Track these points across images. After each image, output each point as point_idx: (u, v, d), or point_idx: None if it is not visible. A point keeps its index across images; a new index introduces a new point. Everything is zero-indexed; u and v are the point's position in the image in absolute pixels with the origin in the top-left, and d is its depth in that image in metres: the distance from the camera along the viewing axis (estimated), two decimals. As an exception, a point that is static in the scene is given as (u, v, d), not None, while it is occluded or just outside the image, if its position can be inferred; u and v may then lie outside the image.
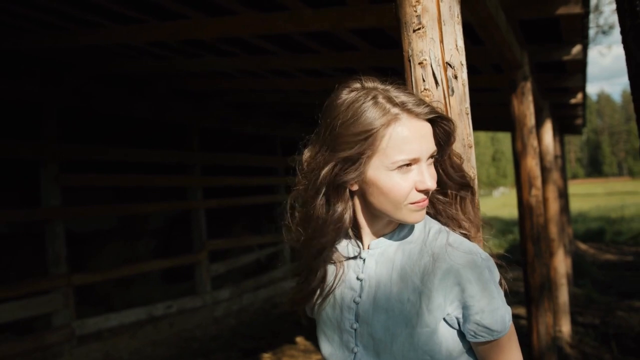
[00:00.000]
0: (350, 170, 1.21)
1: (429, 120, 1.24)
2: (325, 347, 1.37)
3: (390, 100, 1.21)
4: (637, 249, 14.19)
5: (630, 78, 2.23)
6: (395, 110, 1.19)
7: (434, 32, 1.59)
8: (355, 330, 1.29)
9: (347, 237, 1.35)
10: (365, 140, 1.18)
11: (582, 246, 14.55)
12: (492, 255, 1.30)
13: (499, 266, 1.30)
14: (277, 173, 10.05)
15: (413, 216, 1.23)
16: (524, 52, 4.34)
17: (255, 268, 9.39)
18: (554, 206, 6.33)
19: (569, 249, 9.98)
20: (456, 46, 1.63)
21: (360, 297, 1.30)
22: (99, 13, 3.91)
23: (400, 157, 1.18)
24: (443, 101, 1.58)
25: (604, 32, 19.51)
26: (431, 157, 1.24)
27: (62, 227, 5.85)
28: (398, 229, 1.32)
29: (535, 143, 4.20)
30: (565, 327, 6.49)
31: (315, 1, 3.70)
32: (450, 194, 1.35)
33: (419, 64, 1.59)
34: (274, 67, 5.61)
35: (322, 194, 1.27)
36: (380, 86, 1.27)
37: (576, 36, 4.31)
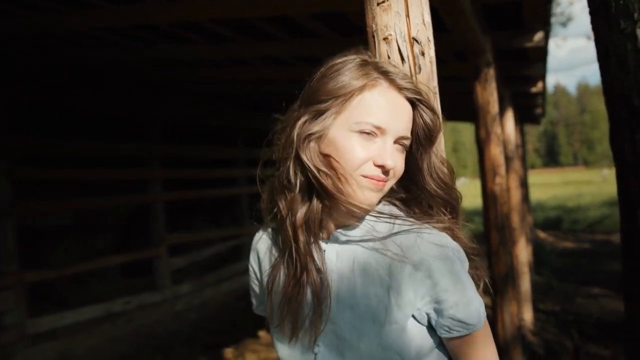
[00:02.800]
0: (315, 123, 1.14)
1: (412, 105, 1.18)
2: (282, 349, 1.25)
3: (375, 66, 1.16)
4: (594, 237, 14.50)
5: (598, 58, 2.19)
6: (376, 75, 1.15)
7: (400, 5, 1.48)
8: None
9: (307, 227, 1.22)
10: (337, 98, 1.13)
11: (541, 234, 14.79)
12: (468, 245, 1.22)
13: (475, 256, 1.22)
14: (238, 165, 9.87)
15: (364, 193, 1.12)
16: (487, 38, 4.28)
17: (217, 261, 9.22)
18: (516, 195, 6.35)
19: (529, 237, 10.09)
20: (423, 21, 1.52)
21: (321, 290, 1.17)
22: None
23: (365, 119, 1.11)
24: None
25: (562, 24, 19.78)
26: (400, 142, 1.15)
27: (14, 223, 5.60)
28: (361, 220, 1.20)
29: (499, 131, 4.16)
30: (527, 315, 6.53)
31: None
32: (426, 206, 1.23)
33: (384, 39, 1.48)
34: (234, 55, 5.45)
35: (292, 156, 1.17)
36: (374, 59, 1.22)
37: (538, 22, 4.27)
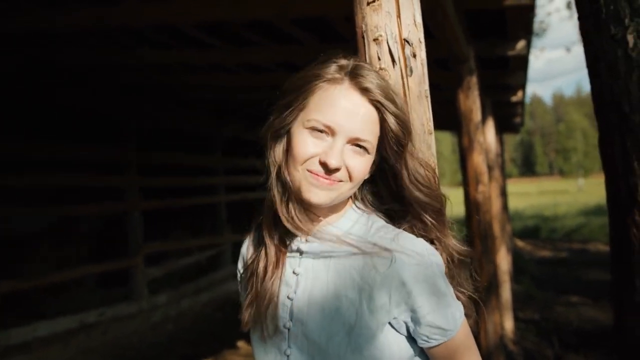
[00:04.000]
0: (279, 120, 1.18)
1: (377, 108, 1.15)
2: (258, 351, 1.23)
3: (345, 67, 1.16)
4: (571, 246, 14.65)
5: (587, 65, 2.16)
6: (339, 75, 1.15)
7: (391, 5, 1.44)
8: (288, 330, 1.16)
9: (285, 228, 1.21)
10: (298, 94, 1.15)
11: (520, 243, 14.90)
12: (458, 249, 1.21)
13: (466, 259, 1.23)
14: (217, 173, 9.76)
15: (309, 189, 1.12)
16: (470, 45, 4.28)
17: (195, 271, 9.08)
18: (496, 204, 6.36)
19: (509, 246, 10.13)
20: (414, 21, 1.48)
21: (295, 293, 1.17)
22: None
23: (315, 115, 1.12)
24: (401, 82, 1.43)
25: (537, 34, 20.04)
26: (358, 144, 1.13)
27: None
28: (340, 220, 1.21)
29: (481, 139, 4.15)
30: (508, 324, 6.53)
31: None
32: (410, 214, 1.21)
33: (374, 40, 1.44)
34: (214, 61, 5.37)
35: (270, 149, 1.21)
36: (357, 62, 1.19)
37: (521, 30, 4.29)
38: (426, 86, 1.49)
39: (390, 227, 1.19)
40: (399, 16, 1.44)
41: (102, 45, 4.89)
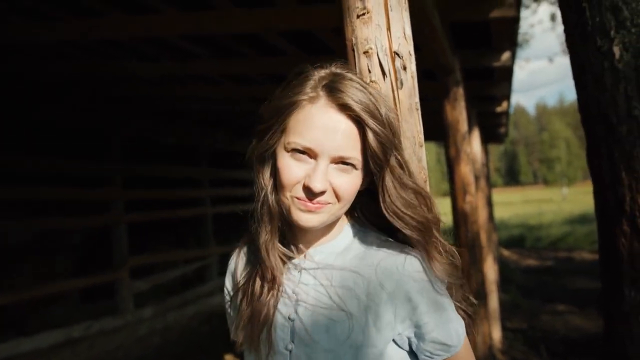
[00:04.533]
0: (262, 143, 1.15)
1: (358, 122, 1.08)
2: None
3: (319, 81, 1.10)
4: (556, 254, 14.73)
5: (574, 76, 2.18)
6: (314, 93, 1.09)
7: (381, 17, 1.44)
8: (290, 352, 1.12)
9: (284, 244, 1.19)
10: (279, 116, 1.11)
11: (505, 252, 14.97)
12: (446, 268, 1.16)
13: (457, 278, 1.18)
14: (202, 185, 9.71)
15: (298, 215, 1.09)
16: (455, 57, 4.31)
17: (181, 284, 9.00)
18: (483, 213, 6.38)
19: (495, 255, 10.17)
20: (404, 34, 1.48)
21: (296, 313, 1.13)
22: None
23: (294, 138, 1.08)
24: (391, 94, 1.43)
25: (520, 46, 20.25)
26: (344, 162, 1.08)
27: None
28: (337, 238, 1.18)
29: (468, 149, 4.16)
30: (496, 334, 6.53)
31: (244, 1, 3.52)
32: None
33: (364, 53, 1.43)
34: (200, 72, 5.36)
35: (257, 173, 1.19)
36: (337, 71, 1.15)
37: (506, 42, 4.32)
38: (417, 98, 1.50)
39: (392, 242, 1.16)
40: (389, 29, 1.45)
41: (86, 58, 4.86)
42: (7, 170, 6.09)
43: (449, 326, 1.10)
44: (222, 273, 8.73)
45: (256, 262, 1.19)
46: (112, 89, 6.26)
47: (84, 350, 6.49)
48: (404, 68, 1.46)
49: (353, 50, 1.45)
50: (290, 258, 1.18)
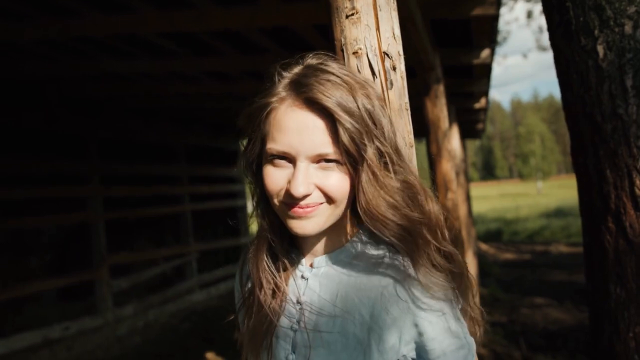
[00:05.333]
0: (246, 152, 1.10)
1: (329, 115, 0.98)
2: None
3: (286, 79, 1.05)
4: (534, 248, 14.90)
5: (558, 75, 2.20)
6: (283, 93, 1.03)
7: (370, 18, 1.42)
8: None
9: (287, 248, 1.15)
10: (253, 122, 1.07)
11: (483, 246, 15.09)
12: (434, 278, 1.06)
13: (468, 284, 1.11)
14: (181, 182, 9.64)
15: (291, 223, 1.03)
16: (436, 54, 4.32)
17: (161, 282, 8.93)
18: (463, 209, 6.43)
19: (474, 250, 10.26)
20: (393, 34, 1.47)
21: (298, 323, 1.09)
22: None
23: (270, 145, 1.02)
24: (381, 95, 1.42)
25: (498, 43, 20.43)
26: (326, 159, 1.00)
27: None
28: (345, 247, 1.12)
29: (449, 146, 4.18)
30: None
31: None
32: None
33: (354, 53, 1.42)
34: (177, 70, 5.31)
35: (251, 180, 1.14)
36: (311, 62, 1.08)
37: (486, 39, 4.35)
38: (406, 99, 1.49)
39: (398, 258, 1.06)
40: (378, 29, 1.43)
41: (64, 56, 4.78)
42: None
43: (458, 352, 1.03)
44: (202, 269, 8.70)
45: (259, 271, 1.15)
46: (89, 87, 6.17)
47: (62, 352, 6.41)
48: (394, 68, 1.45)
49: (342, 50, 1.44)
50: (295, 265, 1.14)
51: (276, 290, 1.11)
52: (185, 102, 7.31)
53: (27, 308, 6.79)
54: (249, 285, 1.19)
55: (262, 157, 1.06)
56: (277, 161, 1.02)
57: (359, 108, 1.00)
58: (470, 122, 9.47)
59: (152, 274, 8.71)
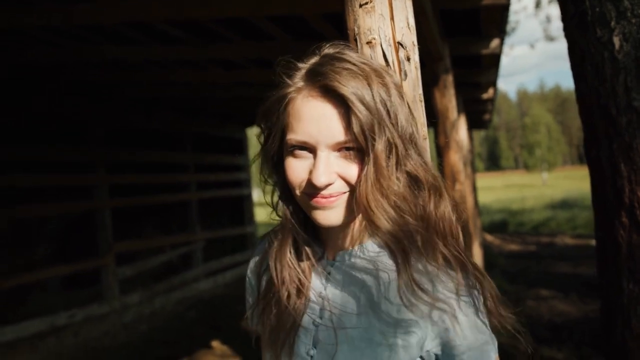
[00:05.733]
0: (267, 146, 1.09)
1: (345, 103, 0.96)
2: None
3: (303, 70, 1.04)
4: (539, 239, 14.86)
5: (572, 66, 2.17)
6: (300, 83, 1.02)
7: (384, 7, 1.40)
8: (311, 357, 1.07)
9: (310, 242, 1.12)
10: (272, 116, 1.06)
11: (489, 237, 15.06)
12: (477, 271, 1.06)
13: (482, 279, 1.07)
14: (187, 170, 9.64)
15: (315, 214, 1.02)
16: (445, 44, 4.29)
17: (167, 270, 8.96)
18: (470, 200, 6.40)
19: (480, 241, 10.25)
20: (408, 24, 1.45)
21: (320, 318, 1.07)
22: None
23: (290, 136, 1.01)
24: (399, 83, 1.40)
25: (507, 34, 20.29)
26: (346, 147, 0.98)
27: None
28: (368, 243, 1.09)
29: (457, 137, 4.16)
30: (481, 319, 6.59)
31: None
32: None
33: (367, 43, 1.40)
34: (184, 57, 5.28)
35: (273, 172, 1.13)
36: (328, 52, 1.06)
37: (495, 29, 4.31)
38: (420, 90, 1.46)
39: (420, 251, 1.02)
40: (392, 19, 1.41)
41: (70, 43, 4.77)
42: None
43: (483, 348, 1.02)
44: (208, 258, 8.70)
45: (279, 263, 1.12)
46: (95, 74, 6.15)
47: (69, 338, 6.45)
48: (408, 59, 1.43)
49: (355, 40, 1.42)
50: (318, 259, 1.12)
51: (300, 289, 1.09)
52: (191, 90, 7.28)
53: (34, 296, 6.83)
54: (265, 279, 1.16)
55: (283, 150, 1.05)
56: (298, 152, 1.01)
57: (373, 97, 0.98)
58: (477, 112, 9.42)
59: (158, 261, 8.74)
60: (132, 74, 6.10)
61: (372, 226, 0.97)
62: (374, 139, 0.96)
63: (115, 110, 7.62)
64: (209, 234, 9.95)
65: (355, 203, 0.99)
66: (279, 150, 1.07)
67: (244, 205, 11.54)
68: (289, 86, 1.03)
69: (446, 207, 1.06)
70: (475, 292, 1.03)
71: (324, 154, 0.98)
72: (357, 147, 0.98)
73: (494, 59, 5.12)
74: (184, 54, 5.06)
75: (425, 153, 1.42)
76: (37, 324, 6.20)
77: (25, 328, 6.05)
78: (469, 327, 1.01)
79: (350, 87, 0.96)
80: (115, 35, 4.60)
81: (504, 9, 3.74)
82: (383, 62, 1.39)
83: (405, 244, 0.97)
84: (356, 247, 1.09)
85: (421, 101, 1.46)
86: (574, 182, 44.60)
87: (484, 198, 30.71)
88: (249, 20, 4.17)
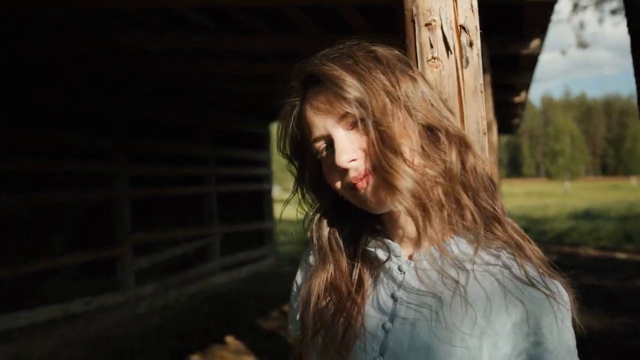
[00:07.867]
0: (303, 175, 1.09)
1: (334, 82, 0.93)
2: None
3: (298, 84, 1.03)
4: (561, 249, 14.59)
5: (636, 74, 2.00)
6: (300, 93, 1.03)
7: (446, -14, 1.26)
8: None
9: (380, 238, 1.01)
10: (297, 141, 1.04)
11: (510, 245, 14.82)
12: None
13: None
14: (207, 163, 9.53)
15: (363, 201, 0.95)
16: (484, 42, 4.11)
17: (182, 262, 8.87)
18: (497, 205, 6.22)
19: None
20: (471, 6, 1.30)
21: (392, 323, 0.93)
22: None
23: (311, 139, 0.98)
24: (455, 74, 1.25)
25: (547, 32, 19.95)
26: (349, 121, 0.93)
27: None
28: (450, 242, 0.96)
29: (492, 139, 3.98)
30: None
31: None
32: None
33: (426, 25, 1.26)
34: (206, 48, 5.15)
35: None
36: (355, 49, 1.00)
37: (538, 28, 4.13)
38: (481, 79, 1.31)
39: (510, 251, 0.96)
40: (455, -1, 1.27)
41: (91, 30, 4.67)
42: (8, 144, 5.93)
43: None
44: (225, 252, 8.62)
45: (339, 253, 1.02)
46: (117, 64, 6.01)
47: (82, 326, 6.39)
48: (470, 44, 1.28)
49: (413, 21, 1.28)
50: (387, 256, 0.99)
51: (359, 290, 0.98)
52: (212, 82, 7.15)
53: (50, 283, 6.77)
54: (317, 282, 1.02)
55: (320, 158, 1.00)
56: (325, 153, 0.97)
57: (357, 64, 0.94)
58: (507, 115, 9.20)
59: (174, 254, 8.65)
60: (154, 65, 5.97)
61: (392, 190, 0.89)
62: (371, 103, 0.90)
63: (136, 101, 7.55)
64: (227, 228, 9.84)
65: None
66: (318, 171, 1.02)
67: (264, 201, 11.43)
68: (295, 95, 1.03)
69: (477, 159, 1.00)
70: (567, 301, 0.94)
71: (339, 133, 0.93)
72: (357, 116, 0.92)
73: (532, 61, 4.94)
74: (206, 44, 4.94)
75: (485, 149, 1.30)
76: (52, 310, 6.15)
77: (39, 314, 6.00)
78: (562, 344, 0.90)
79: (335, 63, 0.94)
80: (138, 22, 4.49)
81: (550, 6, 3.57)
82: (443, 47, 1.25)
83: (426, 201, 0.90)
84: (436, 246, 0.95)
85: (482, 92, 1.31)
86: (597, 193, 43.97)
87: (505, 204, 30.29)
88: (278, 9, 4.04)
